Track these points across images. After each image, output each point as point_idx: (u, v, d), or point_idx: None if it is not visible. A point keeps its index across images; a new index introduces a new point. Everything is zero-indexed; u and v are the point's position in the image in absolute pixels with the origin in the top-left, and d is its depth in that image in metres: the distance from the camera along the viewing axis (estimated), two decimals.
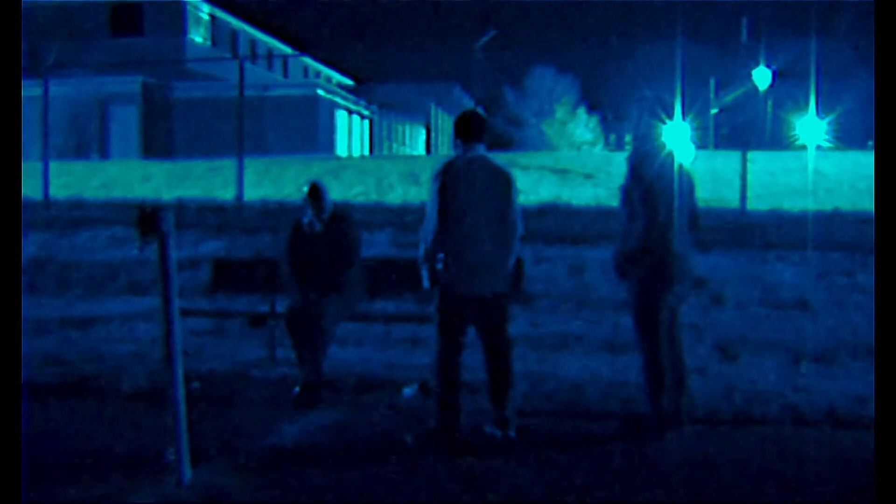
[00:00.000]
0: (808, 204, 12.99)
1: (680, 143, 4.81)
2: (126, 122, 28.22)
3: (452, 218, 4.54)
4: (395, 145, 38.98)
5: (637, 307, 4.70)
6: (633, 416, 4.87)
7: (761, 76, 18.13)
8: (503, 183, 4.70)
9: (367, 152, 34.67)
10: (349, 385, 5.78)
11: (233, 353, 6.83)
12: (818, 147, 19.68)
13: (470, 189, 4.58)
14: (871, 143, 27.04)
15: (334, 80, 41.60)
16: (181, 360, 3.96)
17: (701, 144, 27.41)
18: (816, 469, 4.17)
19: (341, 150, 31.51)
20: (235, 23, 34.73)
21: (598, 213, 12.25)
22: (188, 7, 31.04)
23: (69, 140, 26.50)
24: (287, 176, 17.01)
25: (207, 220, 12.44)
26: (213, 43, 32.97)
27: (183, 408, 3.94)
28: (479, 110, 7.05)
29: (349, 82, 42.34)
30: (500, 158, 5.51)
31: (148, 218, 3.86)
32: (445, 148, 36.08)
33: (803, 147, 20.27)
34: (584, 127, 44.50)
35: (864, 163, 16.39)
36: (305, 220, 6.00)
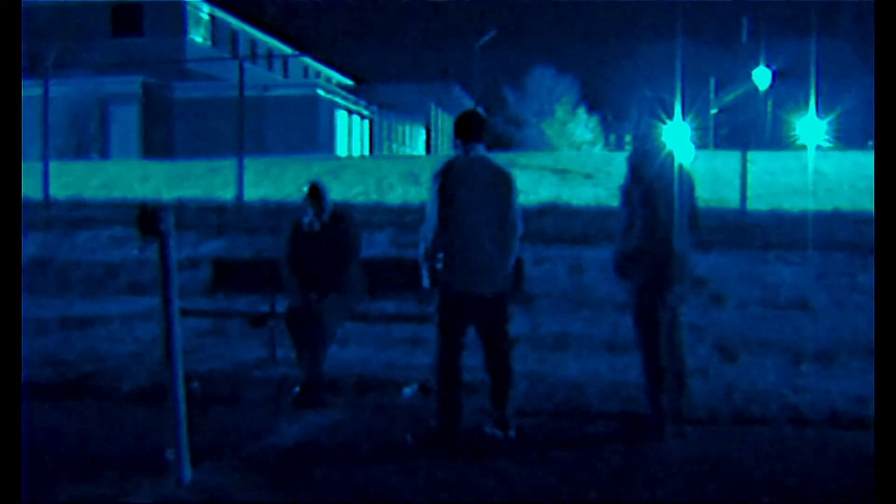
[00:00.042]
0: (808, 204, 12.98)
1: (680, 143, 4.81)
2: (126, 122, 28.21)
3: (452, 218, 4.54)
4: (395, 145, 38.97)
5: (637, 307, 4.70)
6: (633, 416, 4.87)
7: (761, 76, 18.12)
8: (503, 183, 4.70)
9: (367, 152, 34.67)
10: (349, 385, 5.78)
11: (233, 353, 6.83)
12: (818, 147, 19.66)
13: (470, 189, 4.58)
14: (871, 143, 27.04)
15: (334, 80, 41.60)
16: (181, 360, 3.96)
17: (701, 144, 27.40)
18: (816, 469, 4.17)
19: (341, 150, 31.50)
20: (235, 23, 34.72)
21: (598, 213, 12.24)
22: (188, 7, 31.04)
23: (69, 140, 26.50)
24: (287, 176, 17.01)
25: (207, 220, 12.43)
26: (213, 43, 32.97)
27: (183, 408, 3.94)
28: (479, 110, 7.05)
29: (349, 82, 42.32)
30: (500, 158, 5.51)
31: (148, 218, 3.86)
32: (445, 148, 36.07)
33: (803, 147, 20.25)
34: (584, 127, 44.46)
35: (864, 163, 16.38)
36: (305, 220, 6.01)
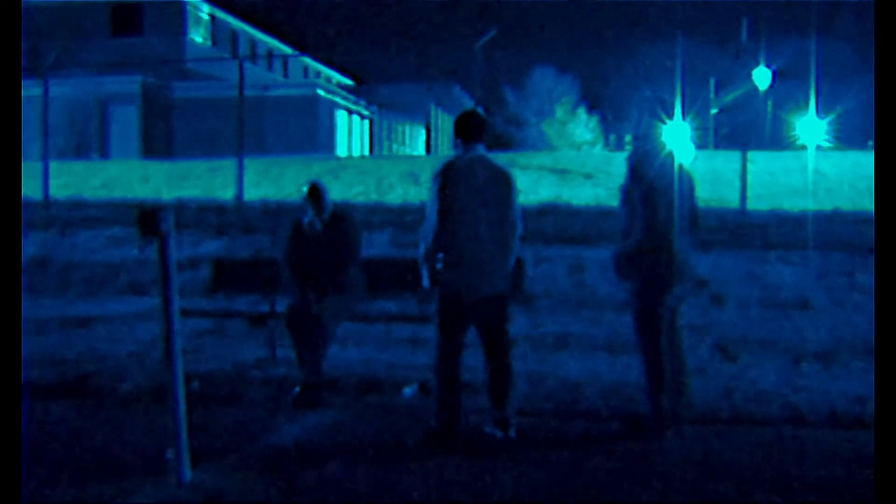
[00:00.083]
0: (808, 204, 12.97)
1: (680, 143, 4.81)
2: (126, 122, 28.21)
3: (452, 218, 4.54)
4: (395, 145, 38.96)
5: (637, 307, 4.70)
6: (633, 416, 4.87)
7: (761, 76, 18.12)
8: (503, 183, 4.70)
9: (367, 152, 34.66)
10: (349, 385, 5.78)
11: (233, 353, 6.83)
12: (818, 147, 19.66)
13: (470, 189, 4.58)
14: (871, 143, 27.03)
15: (334, 80, 41.59)
16: (181, 360, 3.96)
17: (701, 144, 27.40)
18: (816, 469, 4.17)
19: (341, 150, 31.50)
20: (235, 23, 34.72)
21: (598, 213, 12.23)
22: (188, 7, 31.04)
23: (69, 140, 26.50)
24: (287, 176, 17.00)
25: (207, 220, 12.43)
26: (213, 43, 32.96)
27: (183, 408, 3.94)
28: (479, 110, 7.05)
29: (349, 82, 42.33)
30: (500, 158, 5.51)
31: (148, 218, 3.86)
32: (445, 148, 36.07)
33: (803, 147, 20.24)
34: (584, 127, 44.48)
35: (864, 163, 16.37)
36: (305, 220, 6.01)
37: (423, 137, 39.77)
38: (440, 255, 4.57)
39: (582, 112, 44.64)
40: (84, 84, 26.79)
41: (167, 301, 3.91)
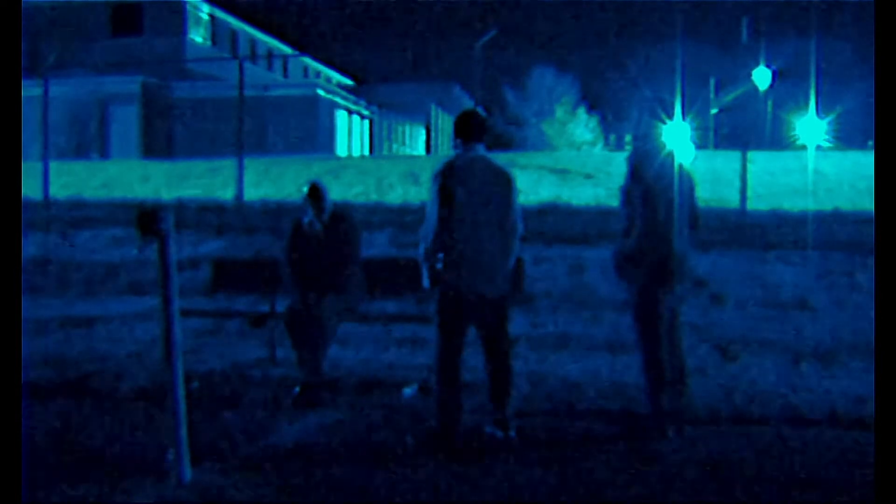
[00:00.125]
0: (808, 204, 12.98)
1: (680, 143, 4.81)
2: (126, 122, 28.21)
3: (452, 218, 4.54)
4: (395, 145, 38.97)
5: (637, 307, 4.70)
6: (633, 416, 4.87)
7: (761, 76, 18.12)
8: (503, 183, 4.70)
9: (367, 152, 34.67)
10: (349, 385, 5.78)
11: (233, 353, 6.83)
12: (818, 147, 19.66)
13: (470, 189, 4.58)
14: (871, 143, 27.04)
15: (334, 80, 41.61)
16: (181, 360, 3.96)
17: (701, 144, 27.42)
18: (816, 469, 4.17)
19: (341, 150, 31.50)
20: (235, 23, 34.72)
21: (598, 213, 12.24)
22: (188, 7, 31.04)
23: (69, 140, 26.51)
24: (287, 176, 17.01)
25: (207, 220, 12.44)
26: (213, 43, 32.97)
27: (183, 408, 3.94)
28: (479, 110, 7.05)
29: (349, 82, 42.34)
30: (500, 158, 5.51)
31: (148, 218, 3.86)
32: (445, 148, 36.07)
33: (803, 147, 20.25)
34: (584, 127, 44.47)
35: (864, 163, 16.38)
36: (305, 220, 6.01)
37: (423, 137, 39.78)
38: (440, 255, 4.57)
39: (582, 112, 44.64)
40: (84, 84, 26.81)
41: (167, 301, 3.91)
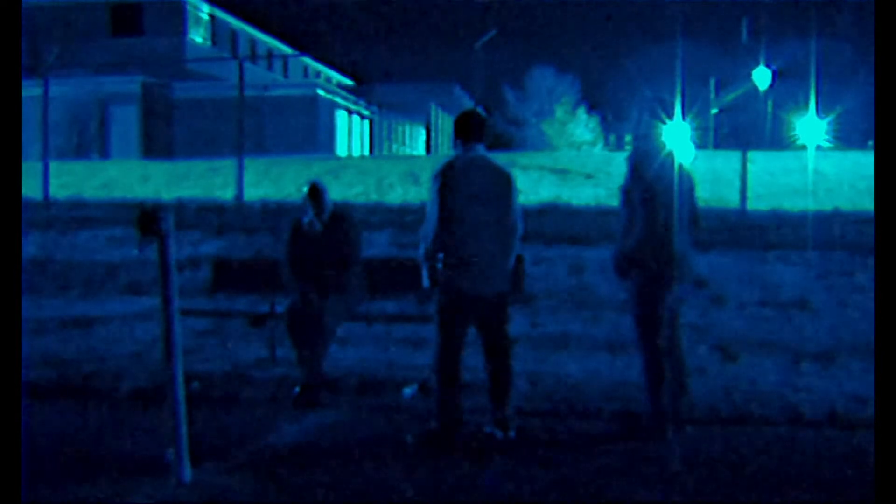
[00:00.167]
0: (808, 204, 12.98)
1: (680, 143, 4.81)
2: (126, 122, 28.21)
3: (452, 218, 4.54)
4: (395, 145, 38.96)
5: (637, 307, 4.70)
6: (633, 416, 4.87)
7: (761, 76, 18.12)
8: (503, 183, 4.70)
9: (367, 152, 34.66)
10: (349, 385, 5.78)
11: (233, 353, 6.84)
12: (818, 147, 19.65)
13: (470, 189, 4.58)
14: (871, 143, 27.04)
15: (334, 80, 41.59)
16: (181, 360, 3.96)
17: (701, 144, 27.42)
18: (816, 469, 4.17)
19: (341, 150, 31.50)
20: (235, 23, 34.72)
21: (598, 213, 12.24)
22: (188, 7, 31.04)
23: (69, 140, 26.51)
24: (287, 176, 17.00)
25: (207, 220, 12.43)
26: (213, 43, 32.97)
27: (183, 408, 3.94)
28: (479, 110, 7.05)
29: (349, 82, 42.33)
30: (500, 158, 5.51)
31: (148, 218, 3.86)
32: (445, 148, 36.06)
33: (803, 147, 20.25)
34: (584, 127, 44.49)
35: (864, 163, 16.38)
36: (305, 220, 6.01)
37: (423, 137, 39.78)
38: (440, 255, 4.57)
39: (582, 112, 44.66)
40: (84, 84, 26.80)
41: (167, 301, 3.91)
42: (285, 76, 37.89)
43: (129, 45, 29.75)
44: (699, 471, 4.13)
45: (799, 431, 4.80)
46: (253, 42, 36.08)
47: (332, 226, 5.95)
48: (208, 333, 7.45)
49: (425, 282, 4.66)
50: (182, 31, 30.64)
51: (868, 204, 12.15)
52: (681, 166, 4.69)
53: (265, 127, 27.15)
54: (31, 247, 11.00)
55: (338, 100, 32.11)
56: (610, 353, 6.66)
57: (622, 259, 4.69)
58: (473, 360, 4.89)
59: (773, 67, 18.76)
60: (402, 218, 11.94)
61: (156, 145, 28.20)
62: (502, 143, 38.71)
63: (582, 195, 14.53)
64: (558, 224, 11.47)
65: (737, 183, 13.17)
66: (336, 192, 9.49)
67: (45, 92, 15.14)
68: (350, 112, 33.51)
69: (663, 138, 4.70)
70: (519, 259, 5.12)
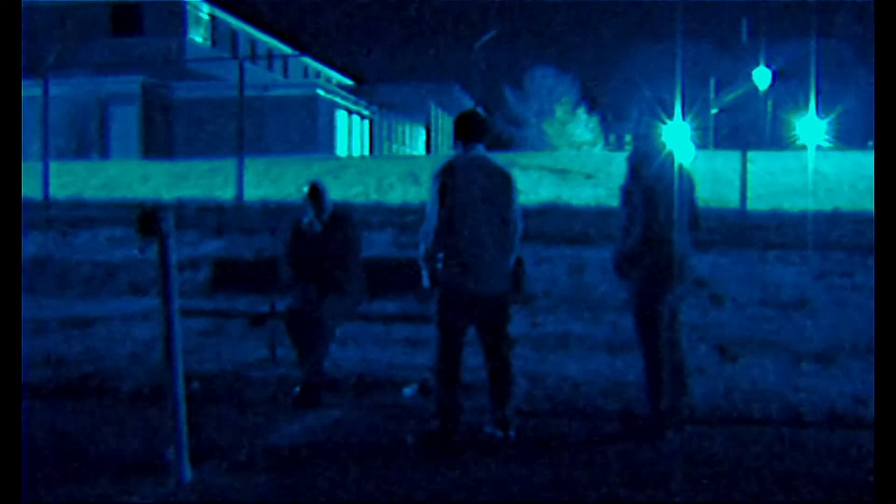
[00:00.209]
0: (808, 204, 12.98)
1: (680, 143, 4.81)
2: (126, 122, 28.22)
3: (452, 218, 4.54)
4: (395, 145, 38.97)
5: (637, 307, 4.70)
6: (633, 416, 4.87)
7: (761, 76, 18.13)
8: (503, 183, 4.70)
9: (367, 152, 34.67)
10: (349, 385, 5.78)
11: (233, 353, 6.83)
12: (818, 147, 19.66)
13: (470, 189, 4.58)
14: (871, 143, 27.04)
15: (334, 80, 41.60)
16: (181, 360, 3.96)
17: (701, 144, 27.43)
18: (816, 469, 4.17)
19: (341, 150, 31.50)
20: (235, 23, 34.73)
21: (598, 213, 12.25)
22: (188, 7, 31.04)
23: (69, 140, 26.52)
24: (287, 176, 17.01)
25: (207, 220, 12.44)
26: (213, 43, 32.97)
27: (183, 408, 3.94)
28: (479, 110, 7.05)
29: (349, 82, 42.34)
30: (500, 158, 5.51)
31: (148, 218, 3.86)
32: (445, 148, 36.07)
33: (803, 147, 20.26)
34: (584, 127, 44.48)
35: (864, 163, 16.39)
36: (305, 220, 6.00)
37: (423, 137, 39.79)
38: (440, 255, 4.57)
39: (582, 112, 44.65)
40: (84, 84, 26.81)
41: (167, 301, 3.91)
42: (285, 76, 37.90)
43: (129, 45, 29.77)
44: (699, 471, 4.13)
45: (799, 431, 4.79)
46: (253, 42, 36.08)
47: (332, 226, 5.95)
48: (208, 333, 7.45)
49: (425, 282, 4.66)
50: (182, 31, 30.64)
51: (868, 204, 12.15)
52: (681, 166, 4.69)
53: (265, 127, 27.16)
54: (31, 247, 11.00)
55: (338, 100, 32.12)
56: (610, 353, 6.66)
57: (622, 259, 4.68)
58: (473, 360, 4.89)
59: (773, 67, 18.77)
60: (402, 218, 11.95)
61: (156, 145, 28.20)
62: (502, 143, 38.72)
63: (582, 195, 14.53)
64: (558, 224, 11.48)
65: (737, 183, 13.18)
66: (336, 192, 9.49)
67: (45, 92, 15.16)
68: (350, 112, 33.52)
69: (663, 138, 4.70)
70: (519, 259, 5.11)
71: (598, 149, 42.60)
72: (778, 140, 26.34)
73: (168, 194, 15.63)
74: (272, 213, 12.84)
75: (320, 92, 30.54)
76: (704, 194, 6.28)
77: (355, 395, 5.62)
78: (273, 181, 16.56)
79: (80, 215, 13.34)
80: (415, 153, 38.40)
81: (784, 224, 11.58)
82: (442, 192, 4.54)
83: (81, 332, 7.74)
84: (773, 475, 4.08)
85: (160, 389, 4.30)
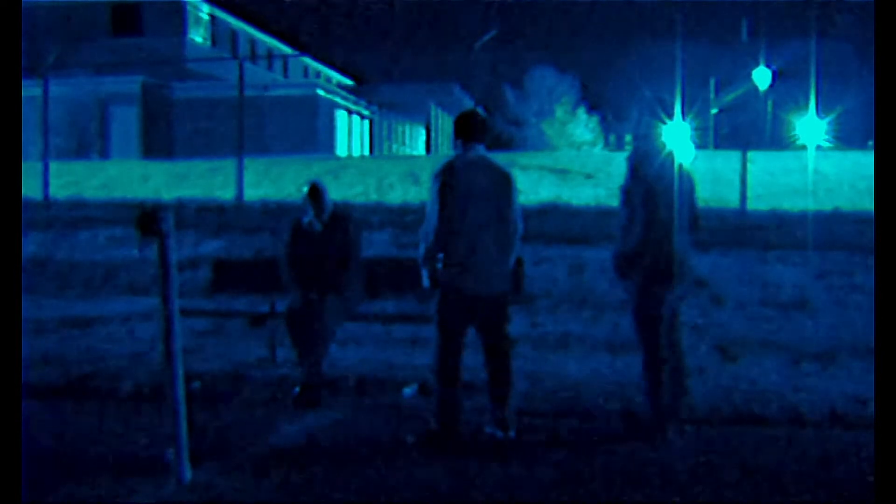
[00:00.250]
0: (808, 204, 12.97)
1: (680, 143, 4.81)
2: (126, 122, 28.20)
3: (452, 218, 4.54)
4: (395, 145, 38.95)
5: (637, 307, 4.70)
6: (633, 416, 4.87)
7: (761, 76, 18.12)
8: (503, 183, 4.70)
9: (367, 152, 34.65)
10: (349, 385, 5.78)
11: (233, 353, 6.83)
12: (818, 147, 19.65)
13: (470, 189, 4.58)
14: (871, 143, 27.04)
15: (334, 80, 41.57)
16: (181, 360, 3.96)
17: (701, 144, 27.42)
18: (816, 469, 4.17)
19: (341, 150, 31.49)
20: (235, 23, 34.70)
21: (598, 213, 12.24)
22: (188, 7, 31.03)
23: (69, 140, 26.50)
24: (287, 176, 16.99)
25: (207, 220, 12.43)
26: (213, 43, 32.95)
27: (183, 408, 3.94)
28: (479, 110, 7.05)
29: (349, 82, 42.31)
30: (500, 158, 5.51)
31: (148, 218, 3.86)
32: (445, 148, 36.04)
33: (803, 147, 20.25)
34: (584, 127, 44.49)
35: (864, 163, 16.37)
36: (305, 220, 6.01)
37: (423, 137, 39.78)
38: (440, 255, 4.57)
39: (582, 112, 44.65)
40: (84, 84, 26.79)
41: (167, 301, 3.91)
42: (285, 76, 37.88)
43: (129, 45, 29.73)
44: (699, 471, 4.13)
45: (799, 431, 4.80)
46: (253, 42, 36.06)
47: (332, 226, 5.95)
48: (208, 333, 7.45)
49: (425, 282, 4.66)
50: (182, 31, 30.62)
51: (868, 204, 12.14)
52: (681, 166, 4.69)
53: (265, 127, 27.14)
54: (31, 247, 11.00)
55: (338, 100, 32.11)
56: (610, 353, 6.66)
57: (622, 259, 4.69)
58: (473, 360, 4.89)
59: (773, 67, 18.77)
60: (402, 218, 11.94)
61: (156, 145, 28.19)
62: (502, 143, 38.72)
63: (582, 195, 14.52)
64: (558, 224, 11.47)
65: (737, 183, 13.17)
66: (336, 192, 9.48)
67: (45, 92, 15.14)
68: (350, 112, 33.51)
69: (663, 138, 4.70)
70: (519, 259, 5.11)
71: (598, 149, 42.60)
72: (778, 140, 26.33)
73: (168, 194, 15.61)
74: (272, 213, 12.82)
75: (320, 92, 30.52)
76: (704, 194, 6.28)
77: (355, 395, 5.62)
78: (273, 181, 16.54)
79: (80, 215, 13.33)
80: (415, 153, 38.39)
81: (784, 224, 11.57)
82: (442, 192, 4.55)
83: (81, 332, 7.74)
84: (773, 475, 4.08)
85: (160, 389, 4.30)
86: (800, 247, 9.96)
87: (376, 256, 7.94)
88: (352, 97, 33.87)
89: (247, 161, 14.42)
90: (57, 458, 4.37)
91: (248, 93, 15.56)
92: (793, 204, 13.37)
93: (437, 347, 4.66)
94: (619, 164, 6.70)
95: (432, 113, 36.75)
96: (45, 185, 14.70)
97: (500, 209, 4.65)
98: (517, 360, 4.96)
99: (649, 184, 4.56)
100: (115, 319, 8.22)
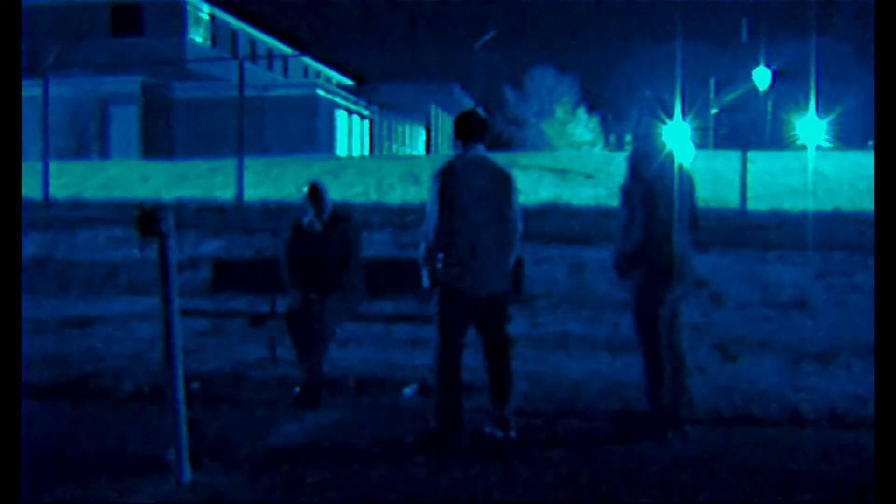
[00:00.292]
0: (808, 204, 12.97)
1: (680, 143, 4.81)
2: (126, 122, 28.20)
3: (452, 218, 4.54)
4: (395, 145, 38.94)
5: (637, 307, 4.70)
6: (633, 416, 4.87)
7: (761, 76, 18.13)
8: (503, 183, 4.70)
9: (367, 152, 34.65)
10: (349, 385, 5.78)
11: (233, 353, 6.83)
12: (818, 147, 19.65)
13: (470, 189, 4.58)
14: (871, 143, 27.03)
15: (334, 80, 41.57)
16: (181, 360, 3.96)
17: (701, 144, 27.41)
18: (816, 469, 4.17)
19: (341, 150, 31.49)
20: (235, 23, 34.70)
21: (598, 213, 12.23)
22: (188, 7, 31.03)
23: (69, 140, 26.49)
24: (287, 176, 16.99)
25: (207, 220, 12.43)
26: (213, 43, 32.95)
27: (183, 408, 3.94)
28: (479, 110, 7.05)
29: (349, 82, 42.31)
30: (500, 158, 5.51)
31: (148, 218, 3.86)
32: (445, 148, 36.04)
33: (803, 147, 20.25)
34: (584, 127, 44.50)
35: (864, 163, 16.37)
36: (305, 220, 6.01)
37: (423, 137, 39.76)
38: (440, 255, 4.57)
39: (582, 112, 44.67)
40: (84, 84, 26.79)
41: (167, 301, 3.91)
42: (285, 76, 37.88)
43: (129, 45, 29.74)
44: (699, 471, 4.13)
45: (799, 431, 4.80)
46: (253, 42, 36.06)
47: (332, 226, 5.95)
48: (208, 333, 7.45)
49: (425, 282, 4.66)
50: (182, 31, 30.63)
51: (868, 204, 12.14)
52: (681, 166, 4.69)
53: (265, 127, 27.15)
54: (31, 247, 11.00)
55: (338, 100, 32.11)
56: (610, 353, 6.66)
57: (622, 259, 4.69)
58: (473, 360, 4.89)
59: (773, 67, 18.77)
60: (402, 218, 11.94)
61: (156, 145, 28.19)
62: (502, 143, 38.73)
63: (582, 195, 14.52)
64: (558, 224, 11.47)
65: (737, 183, 13.17)
66: (336, 192, 9.48)
67: (45, 92, 15.14)
68: (350, 112, 33.51)
69: (663, 138, 4.70)
70: (519, 259, 5.11)
71: (598, 149, 42.61)
72: (778, 140, 26.32)
73: (168, 194, 15.61)
74: (272, 213, 12.82)
75: (320, 92, 30.52)
76: (704, 194, 6.28)
77: (355, 395, 5.62)
78: (273, 181, 16.54)
79: (80, 215, 13.33)
80: (415, 153, 38.37)
81: (784, 224, 11.57)
82: (442, 193, 4.55)
83: (81, 332, 7.74)
84: (772, 475, 4.08)
85: (160, 389, 4.30)
86: (800, 247, 9.96)
87: (376, 256, 7.94)
88: (352, 97, 33.87)
89: (247, 161, 14.43)
90: (57, 458, 4.37)
91: (248, 93, 15.56)
92: (793, 204, 13.36)
93: (437, 347, 4.66)
94: (619, 164, 6.70)
95: (432, 113, 36.76)
96: (45, 185, 14.71)
97: (500, 209, 4.65)
98: (517, 360, 4.96)
99: (649, 184, 4.56)
100: (115, 319, 8.22)
